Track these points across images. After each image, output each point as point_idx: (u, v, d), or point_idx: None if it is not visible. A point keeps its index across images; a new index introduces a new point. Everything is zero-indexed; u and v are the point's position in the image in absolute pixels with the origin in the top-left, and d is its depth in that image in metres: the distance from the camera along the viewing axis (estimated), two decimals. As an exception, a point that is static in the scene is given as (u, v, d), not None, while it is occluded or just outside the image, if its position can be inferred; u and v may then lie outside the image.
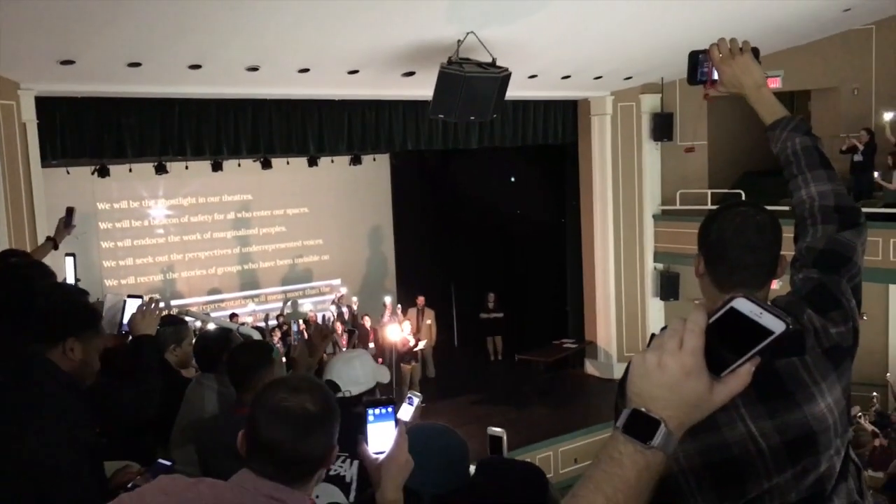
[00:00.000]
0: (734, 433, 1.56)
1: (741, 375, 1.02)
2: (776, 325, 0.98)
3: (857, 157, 11.68)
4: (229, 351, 3.31)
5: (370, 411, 1.83)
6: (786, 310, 1.66)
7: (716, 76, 2.06)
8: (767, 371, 1.57)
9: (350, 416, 1.75)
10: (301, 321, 13.57)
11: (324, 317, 13.87)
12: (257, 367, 3.04)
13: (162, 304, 3.03)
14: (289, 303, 15.74)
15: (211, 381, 3.45)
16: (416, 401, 2.45)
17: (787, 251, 1.81)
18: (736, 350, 1.01)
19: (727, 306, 1.01)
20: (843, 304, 1.71)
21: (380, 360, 12.43)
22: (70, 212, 4.41)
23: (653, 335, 1.13)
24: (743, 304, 1.00)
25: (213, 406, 3.33)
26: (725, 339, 1.01)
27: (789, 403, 1.58)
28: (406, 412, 2.38)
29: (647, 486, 1.01)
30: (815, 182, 1.89)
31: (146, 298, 3.10)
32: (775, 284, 1.80)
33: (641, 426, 1.02)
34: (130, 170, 13.09)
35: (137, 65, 8.46)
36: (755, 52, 2.04)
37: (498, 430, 2.31)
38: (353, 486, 2.77)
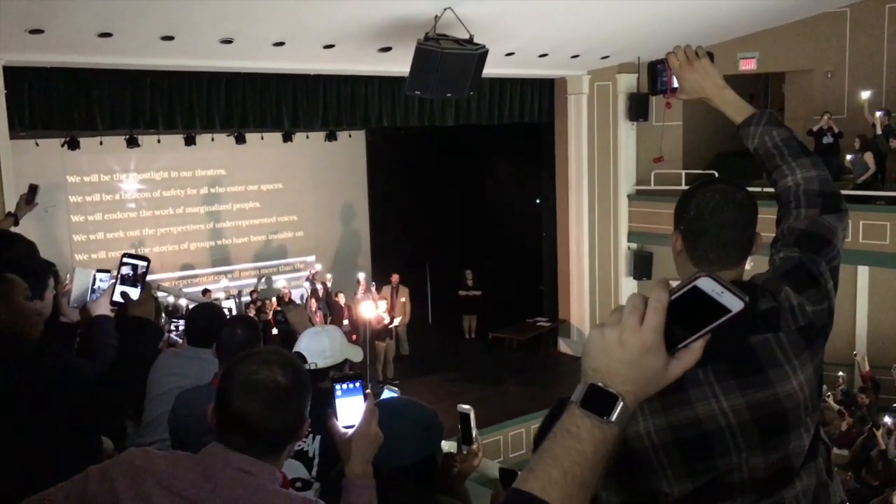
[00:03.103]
0: (706, 409, 1.58)
1: (693, 351, 1.04)
2: (734, 304, 1.00)
3: (827, 140, 11.80)
4: (225, 325, 3.29)
5: (337, 386, 1.83)
6: (763, 287, 1.68)
7: (676, 84, 2.08)
8: (742, 347, 1.59)
9: (315, 391, 1.74)
10: (274, 298, 13.50)
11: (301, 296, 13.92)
12: (252, 341, 3.07)
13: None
14: (262, 279, 15.66)
15: (209, 356, 3.39)
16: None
17: (762, 232, 1.82)
18: (692, 326, 1.03)
19: (690, 284, 1.02)
20: (820, 283, 1.73)
21: (354, 336, 12.40)
22: (33, 189, 4.32)
23: None
24: (706, 283, 1.01)
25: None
26: (683, 316, 1.03)
27: (761, 380, 1.60)
28: None
29: (604, 459, 1.03)
30: (801, 169, 1.93)
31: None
32: (747, 265, 1.82)
33: (599, 401, 1.04)
34: (101, 142, 12.89)
35: (108, 35, 8.30)
36: (710, 56, 2.06)
37: (466, 406, 2.33)
38: (316, 460, 2.79)
